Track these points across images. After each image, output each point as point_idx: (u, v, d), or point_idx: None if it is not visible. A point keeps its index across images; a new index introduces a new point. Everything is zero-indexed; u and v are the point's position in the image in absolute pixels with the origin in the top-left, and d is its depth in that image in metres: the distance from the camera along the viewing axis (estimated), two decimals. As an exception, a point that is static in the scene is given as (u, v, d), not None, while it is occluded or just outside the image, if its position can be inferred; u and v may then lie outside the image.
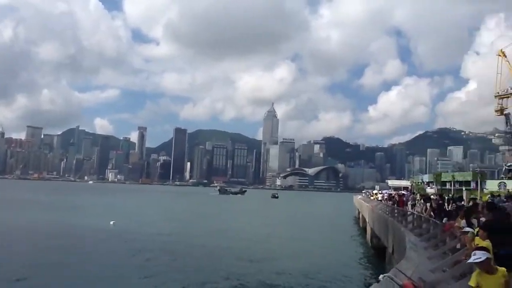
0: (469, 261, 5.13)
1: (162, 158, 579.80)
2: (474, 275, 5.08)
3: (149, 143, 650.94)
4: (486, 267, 4.89)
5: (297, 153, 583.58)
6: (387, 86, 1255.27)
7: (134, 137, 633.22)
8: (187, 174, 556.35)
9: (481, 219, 9.96)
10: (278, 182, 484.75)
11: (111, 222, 41.37)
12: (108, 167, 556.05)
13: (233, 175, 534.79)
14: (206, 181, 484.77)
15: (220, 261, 25.94)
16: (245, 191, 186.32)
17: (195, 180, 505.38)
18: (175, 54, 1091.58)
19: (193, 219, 54.29)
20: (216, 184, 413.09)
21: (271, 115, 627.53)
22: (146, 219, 49.98)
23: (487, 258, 4.87)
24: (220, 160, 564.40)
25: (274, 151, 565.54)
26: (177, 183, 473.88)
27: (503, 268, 4.91)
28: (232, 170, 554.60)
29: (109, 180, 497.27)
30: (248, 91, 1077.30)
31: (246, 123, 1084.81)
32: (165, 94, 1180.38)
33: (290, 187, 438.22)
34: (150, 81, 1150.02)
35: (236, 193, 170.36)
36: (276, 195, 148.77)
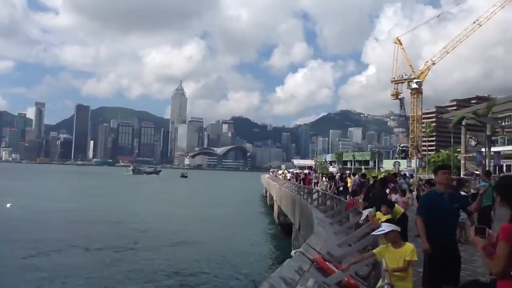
0: (374, 233, 5.37)
1: (62, 136, 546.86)
2: (380, 246, 5.37)
3: (48, 120, 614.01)
4: (391, 239, 5.18)
5: (205, 133, 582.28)
6: (294, 68, 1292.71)
7: (30, 113, 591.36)
8: (90, 153, 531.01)
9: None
10: (187, 161, 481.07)
11: (8, 205, 38.37)
12: (1, 145, 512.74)
13: (139, 154, 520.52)
14: (111, 160, 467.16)
15: (135, 244, 25.20)
16: (160, 170, 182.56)
17: (98, 160, 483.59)
18: (77, 26, 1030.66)
19: (106, 200, 51.90)
20: (122, 163, 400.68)
21: (180, 93, 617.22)
22: (51, 202, 46.67)
23: (391, 230, 5.18)
24: (126, 138, 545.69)
25: (182, 130, 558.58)
26: (79, 162, 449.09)
27: (411, 245, 5.14)
28: (139, 149, 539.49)
29: (3, 159, 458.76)
30: (156, 68, 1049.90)
31: (153, 101, 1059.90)
32: (65, 68, 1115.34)
33: (198, 167, 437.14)
34: (49, 53, 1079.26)
35: (150, 173, 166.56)
36: (185, 175, 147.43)
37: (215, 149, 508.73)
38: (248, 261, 21.97)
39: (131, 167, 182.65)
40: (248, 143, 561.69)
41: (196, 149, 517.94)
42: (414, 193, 23.04)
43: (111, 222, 33.04)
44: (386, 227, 5.20)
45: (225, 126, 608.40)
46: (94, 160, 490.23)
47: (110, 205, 45.61)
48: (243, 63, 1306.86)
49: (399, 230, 5.31)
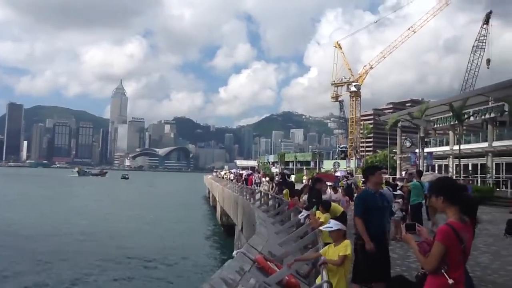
0: (321, 228, 5.42)
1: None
2: (327, 246, 5.44)
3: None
4: (335, 238, 5.28)
5: (147, 133, 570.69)
6: (237, 69, 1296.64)
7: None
8: (23, 154, 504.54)
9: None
10: (127, 162, 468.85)
11: None
12: None
13: (77, 155, 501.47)
14: (46, 161, 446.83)
15: (78, 249, 24.29)
16: (106, 172, 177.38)
17: (33, 161, 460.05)
18: (9, 20, 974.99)
19: (40, 204, 49.40)
20: (58, 165, 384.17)
21: (120, 93, 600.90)
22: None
23: (338, 229, 5.29)
24: (63, 139, 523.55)
25: (122, 130, 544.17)
26: (12, 163, 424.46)
27: (347, 241, 5.26)
28: (76, 149, 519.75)
29: None
30: (95, 66, 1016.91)
31: (92, 100, 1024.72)
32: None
33: (140, 168, 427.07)
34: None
35: (96, 175, 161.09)
36: (126, 176, 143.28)
37: (157, 150, 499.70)
38: (190, 263, 21.76)
39: (76, 169, 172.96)
40: (191, 144, 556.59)
41: (137, 150, 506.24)
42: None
43: (49, 229, 31.63)
44: (333, 225, 5.29)
45: (167, 127, 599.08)
46: (28, 161, 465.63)
47: (55, 211, 43.62)
48: (186, 63, 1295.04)
49: (345, 229, 5.43)
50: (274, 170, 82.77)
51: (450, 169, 45.51)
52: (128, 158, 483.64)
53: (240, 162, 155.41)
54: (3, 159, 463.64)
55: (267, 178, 24.76)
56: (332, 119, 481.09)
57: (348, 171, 44.22)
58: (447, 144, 47.96)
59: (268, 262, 5.75)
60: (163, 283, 18.33)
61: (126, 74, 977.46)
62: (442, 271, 3.17)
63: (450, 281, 3.13)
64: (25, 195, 60.13)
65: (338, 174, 37.58)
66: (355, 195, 14.54)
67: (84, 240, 26.88)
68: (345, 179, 24.03)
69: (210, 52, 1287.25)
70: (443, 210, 3.39)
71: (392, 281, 2.70)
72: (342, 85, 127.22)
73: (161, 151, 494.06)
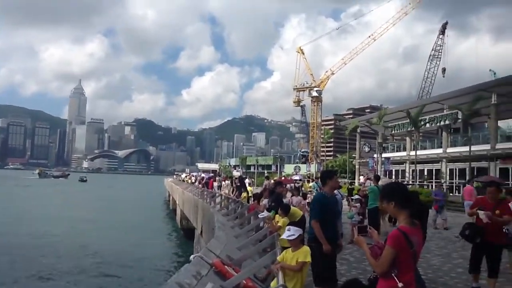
0: (282, 237, 5.42)
1: None
2: (284, 252, 5.45)
3: None
4: (294, 243, 5.27)
5: (106, 134, 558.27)
6: (201, 71, 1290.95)
7: None
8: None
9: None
10: (85, 164, 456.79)
11: None
12: None
13: (32, 156, 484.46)
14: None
15: (31, 252, 23.47)
16: (69, 174, 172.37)
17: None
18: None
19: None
20: (12, 166, 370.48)
21: (79, 93, 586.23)
22: None
23: (299, 235, 5.30)
24: (17, 139, 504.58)
25: (81, 131, 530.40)
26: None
27: (306, 247, 5.26)
28: (32, 150, 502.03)
29: None
30: (54, 64, 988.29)
31: (49, 99, 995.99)
32: None
33: (98, 170, 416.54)
34: None
35: (58, 177, 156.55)
36: (85, 179, 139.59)
37: (116, 151, 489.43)
38: (147, 267, 21.45)
39: (37, 171, 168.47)
40: (152, 146, 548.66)
41: (96, 151, 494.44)
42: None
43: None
44: (294, 232, 5.28)
45: (127, 128, 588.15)
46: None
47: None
48: (148, 64, 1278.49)
49: (302, 233, 5.46)
50: (236, 173, 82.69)
51: (407, 174, 46.83)
52: (86, 160, 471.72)
53: (201, 165, 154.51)
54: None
55: (228, 181, 24.75)
56: (294, 124, 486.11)
57: (309, 175, 44.68)
58: (404, 149, 49.36)
59: (226, 266, 5.72)
60: (120, 286, 17.99)
61: (85, 73, 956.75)
62: (393, 274, 3.26)
63: (400, 284, 3.21)
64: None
65: (296, 177, 38.04)
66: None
67: (39, 245, 25.98)
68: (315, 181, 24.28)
69: (173, 54, 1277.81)
70: (395, 214, 3.49)
71: (345, 284, 2.75)
72: (304, 90, 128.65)
73: (121, 153, 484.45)
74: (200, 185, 31.04)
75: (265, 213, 9.37)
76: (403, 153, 48.73)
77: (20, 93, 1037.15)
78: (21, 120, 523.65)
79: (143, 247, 27.02)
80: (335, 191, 6.49)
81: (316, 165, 73.87)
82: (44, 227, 33.01)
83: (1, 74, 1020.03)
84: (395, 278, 3.24)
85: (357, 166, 57.44)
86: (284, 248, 5.67)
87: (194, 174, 56.42)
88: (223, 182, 25.95)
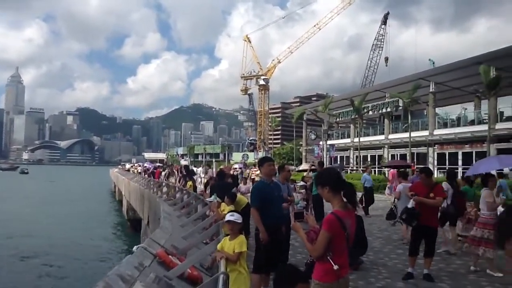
0: (226, 218, 5.39)
1: None
2: (223, 240, 5.44)
3: None
4: (233, 230, 5.26)
5: (47, 124, 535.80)
6: (146, 58, 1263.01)
7: None
8: None
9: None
10: (25, 156, 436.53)
11: None
12: None
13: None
14: None
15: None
16: (18, 166, 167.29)
17: None
18: None
19: None
20: None
21: (16, 81, 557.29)
22: None
23: (240, 223, 5.29)
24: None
25: (19, 121, 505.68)
26: None
27: (242, 237, 5.21)
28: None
29: None
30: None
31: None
32: None
33: (39, 162, 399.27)
34: None
35: (6, 169, 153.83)
36: (26, 171, 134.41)
37: (58, 142, 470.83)
38: (93, 260, 20.94)
39: None
40: (96, 136, 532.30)
41: (36, 142, 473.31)
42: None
43: None
44: (239, 218, 5.28)
45: (69, 118, 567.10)
46: None
47: None
48: (92, 52, 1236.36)
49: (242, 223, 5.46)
50: (183, 162, 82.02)
51: (351, 160, 48.25)
52: (26, 151, 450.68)
53: (148, 155, 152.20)
54: None
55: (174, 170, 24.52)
56: (242, 112, 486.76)
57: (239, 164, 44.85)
58: (348, 136, 50.75)
59: (170, 256, 5.70)
60: (60, 280, 17.52)
61: (23, 60, 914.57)
62: (328, 257, 3.38)
63: (335, 266, 3.34)
64: None
65: (236, 166, 38.38)
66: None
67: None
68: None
69: (117, 41, 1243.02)
70: (328, 199, 3.61)
71: (280, 269, 2.83)
72: (251, 79, 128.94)
73: (63, 144, 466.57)
74: (146, 175, 30.54)
75: (212, 198, 9.40)
76: (348, 140, 50.10)
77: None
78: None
79: (88, 239, 26.33)
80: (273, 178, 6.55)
81: (264, 153, 74.58)
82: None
83: None
84: (331, 261, 3.36)
85: (304, 154, 58.52)
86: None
87: (146, 164, 55.38)
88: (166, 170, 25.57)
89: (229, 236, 5.24)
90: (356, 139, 44.39)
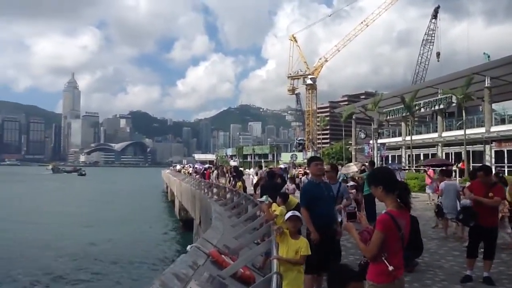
0: (289, 214, 5.42)
1: None
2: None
3: None
4: (294, 227, 5.29)
5: (102, 128, 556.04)
6: (195, 61, 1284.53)
7: None
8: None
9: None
10: (82, 158, 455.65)
11: None
12: None
13: (28, 152, 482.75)
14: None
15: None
16: (80, 169, 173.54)
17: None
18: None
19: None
20: (8, 162, 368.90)
21: (72, 86, 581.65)
22: None
23: (300, 218, 5.34)
24: (12, 135, 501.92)
25: (76, 125, 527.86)
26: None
27: (305, 239, 5.25)
28: (27, 146, 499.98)
29: None
30: (46, 58, 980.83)
31: (43, 94, 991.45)
32: None
33: (95, 164, 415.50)
34: None
35: (70, 172, 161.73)
36: (83, 172, 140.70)
37: (112, 145, 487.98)
38: (148, 259, 21.57)
39: (51, 166, 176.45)
40: (148, 138, 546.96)
41: (92, 145, 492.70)
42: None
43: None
44: (298, 214, 5.34)
45: (122, 121, 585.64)
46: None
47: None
48: (142, 56, 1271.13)
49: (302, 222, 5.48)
50: (233, 163, 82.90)
51: (403, 159, 47.03)
52: (83, 153, 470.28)
53: (198, 156, 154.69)
54: None
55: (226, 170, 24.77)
56: (289, 112, 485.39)
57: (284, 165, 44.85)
58: (400, 135, 49.49)
59: (223, 256, 5.79)
60: (117, 278, 18.14)
61: (79, 67, 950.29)
62: (383, 258, 3.32)
63: (390, 267, 3.28)
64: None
65: (281, 166, 38.41)
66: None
67: (39, 241, 26.05)
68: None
69: (167, 44, 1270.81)
70: (382, 199, 3.55)
71: (333, 268, 2.81)
72: (298, 78, 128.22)
73: (117, 146, 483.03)
74: (197, 176, 31.07)
75: (264, 198, 9.44)
76: (399, 139, 48.89)
77: (13, 89, 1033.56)
78: (15, 115, 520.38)
79: (142, 239, 27.16)
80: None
81: (313, 153, 74.06)
82: (44, 221, 33.05)
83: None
84: (385, 261, 3.30)
85: (353, 153, 57.61)
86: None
87: (197, 166, 56.38)
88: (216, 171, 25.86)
89: (287, 236, 5.25)
90: (408, 138, 43.21)
